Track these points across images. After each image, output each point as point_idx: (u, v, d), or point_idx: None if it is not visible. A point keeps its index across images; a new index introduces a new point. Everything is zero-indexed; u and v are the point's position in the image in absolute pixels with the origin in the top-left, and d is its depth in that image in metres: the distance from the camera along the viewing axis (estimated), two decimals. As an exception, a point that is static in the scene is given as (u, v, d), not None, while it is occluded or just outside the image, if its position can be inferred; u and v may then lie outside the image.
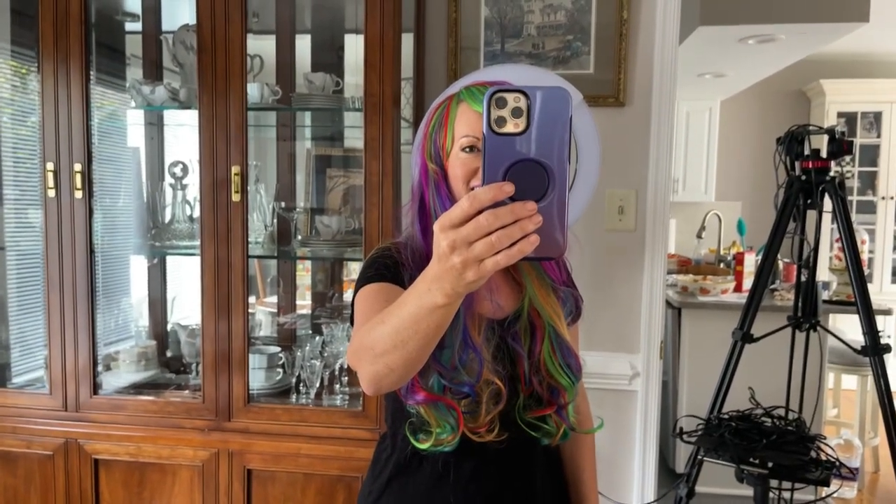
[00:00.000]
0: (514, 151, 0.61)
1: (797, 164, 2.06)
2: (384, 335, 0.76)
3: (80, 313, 1.88)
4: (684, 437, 1.87)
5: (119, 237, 2.19)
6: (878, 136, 4.98)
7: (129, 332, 2.29)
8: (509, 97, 0.61)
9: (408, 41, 1.99)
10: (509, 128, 0.61)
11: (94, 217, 1.88)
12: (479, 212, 0.59)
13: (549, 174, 0.61)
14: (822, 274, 4.05)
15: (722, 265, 4.29)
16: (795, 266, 2.14)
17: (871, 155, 5.01)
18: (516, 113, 0.61)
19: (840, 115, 4.90)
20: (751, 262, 3.65)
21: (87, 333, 1.88)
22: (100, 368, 1.95)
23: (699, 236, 4.43)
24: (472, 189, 0.71)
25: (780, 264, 3.58)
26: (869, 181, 5.09)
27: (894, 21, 3.96)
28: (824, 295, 3.36)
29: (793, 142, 2.04)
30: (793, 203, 2.04)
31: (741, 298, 3.30)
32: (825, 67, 4.88)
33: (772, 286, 3.48)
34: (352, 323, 1.03)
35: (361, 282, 1.02)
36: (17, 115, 2.14)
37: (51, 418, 1.90)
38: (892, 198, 5.00)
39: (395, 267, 1.01)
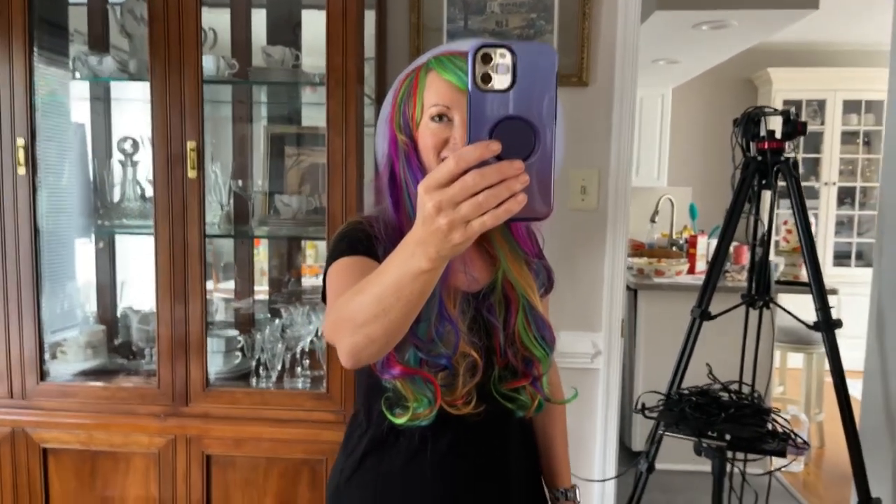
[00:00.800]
0: (500, 109, 0.59)
1: (752, 144, 2.10)
2: (365, 304, 0.74)
3: (24, 298, 1.79)
4: (646, 412, 1.89)
5: (63, 218, 2.08)
6: (822, 123, 5.16)
7: (75, 319, 2.18)
8: (495, 53, 0.59)
9: (370, 18, 1.95)
10: (495, 84, 0.59)
11: (38, 195, 1.78)
12: (465, 171, 0.58)
13: (536, 132, 0.60)
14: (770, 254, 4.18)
15: (675, 248, 4.39)
16: (747, 247, 2.19)
17: (814, 142, 5.18)
18: (501, 69, 0.59)
19: (786, 102, 5.05)
20: (703, 244, 3.74)
21: (33, 319, 1.80)
22: (47, 356, 1.86)
23: (652, 220, 4.51)
24: (443, 160, 0.69)
25: (731, 246, 3.68)
26: (812, 167, 5.26)
27: (839, 10, 4.09)
28: (774, 275, 3.46)
29: (749, 123, 2.08)
30: (749, 183, 2.09)
31: (695, 280, 3.39)
32: (772, 56, 5.02)
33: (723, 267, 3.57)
34: (324, 300, 1.00)
35: (333, 256, 0.99)
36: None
37: (-5, 407, 1.80)
38: (834, 183, 5.19)
39: (369, 240, 0.99)
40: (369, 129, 1.83)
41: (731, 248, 3.72)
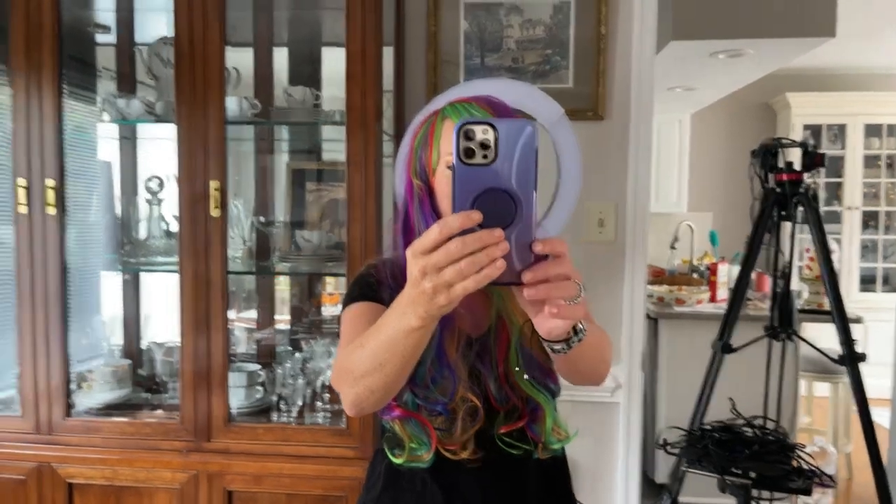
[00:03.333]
0: (483, 181, 0.64)
1: (771, 176, 2.10)
2: (363, 358, 0.78)
3: (52, 333, 1.82)
4: (668, 448, 1.88)
5: (90, 253, 2.13)
6: (843, 147, 5.12)
7: (101, 351, 2.23)
8: (477, 129, 0.64)
9: (388, 55, 1.99)
10: (478, 159, 0.64)
11: (66, 234, 1.83)
12: (449, 239, 0.62)
13: (516, 202, 0.64)
14: (793, 283, 4.13)
15: (695, 275, 4.35)
16: (768, 276, 2.17)
17: (835, 166, 5.13)
18: (484, 145, 0.63)
19: (806, 127, 5.02)
20: (724, 272, 3.70)
21: (60, 354, 1.83)
22: (73, 387, 1.89)
23: (672, 247, 4.49)
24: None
25: (753, 274, 3.64)
26: (834, 192, 5.21)
27: (858, 35, 4.08)
28: (798, 303, 3.42)
29: (766, 154, 2.09)
30: (768, 214, 2.08)
31: (717, 308, 3.35)
32: (791, 81, 5.01)
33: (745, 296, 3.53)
34: None
35: (346, 301, 1.03)
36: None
37: (23, 441, 1.83)
38: (856, 208, 5.13)
39: (377, 286, 1.01)
40: (388, 163, 1.86)
41: (754, 276, 3.69)
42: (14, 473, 1.82)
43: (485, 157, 0.63)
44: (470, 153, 0.63)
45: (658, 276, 4.54)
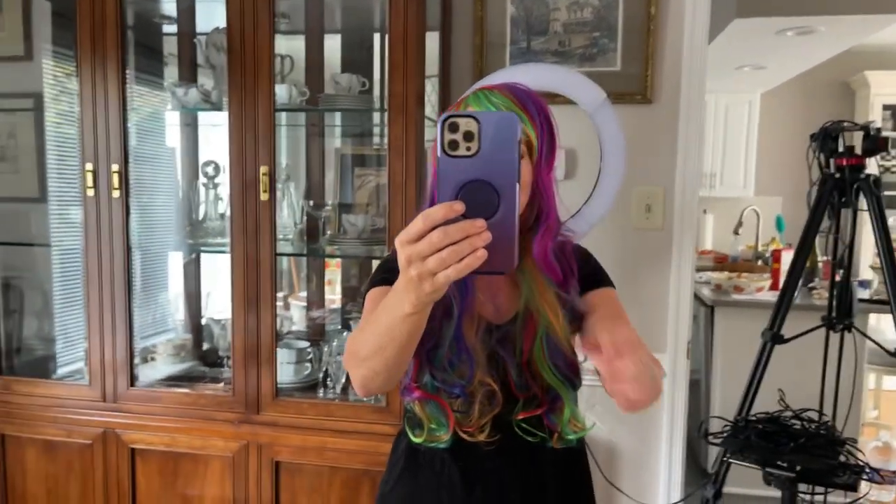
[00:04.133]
0: (465, 172, 0.66)
1: (831, 161, 2.01)
2: (366, 342, 0.82)
3: (118, 308, 1.95)
4: (710, 438, 1.85)
5: (158, 233, 2.27)
6: (927, 129, 4.80)
7: (167, 326, 2.37)
8: (461, 122, 0.65)
9: (434, 39, 2.01)
10: (461, 150, 0.65)
11: (130, 216, 1.94)
12: (433, 229, 0.64)
13: (498, 193, 0.66)
14: (865, 272, 3.94)
15: (760, 262, 4.21)
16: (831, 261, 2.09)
17: (919, 148, 4.83)
18: (467, 137, 0.65)
19: (886, 107, 4.74)
20: (788, 259, 3.56)
21: (125, 328, 1.96)
22: (137, 361, 2.02)
23: (736, 233, 4.35)
24: None
25: (820, 262, 3.50)
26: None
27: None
28: (865, 294, 3.27)
29: (826, 138, 2.00)
30: (826, 201, 2.00)
31: (777, 297, 3.24)
32: (871, 58, 4.72)
33: (810, 284, 3.40)
34: None
35: (368, 285, 1.07)
36: (62, 115, 2.22)
37: (90, 408, 1.98)
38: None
39: (397, 271, 1.04)
40: (431, 144, 1.89)
41: (821, 264, 3.54)
42: (81, 438, 1.97)
43: (468, 148, 0.65)
44: (454, 145, 0.65)
45: (721, 263, 4.42)
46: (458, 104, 1.06)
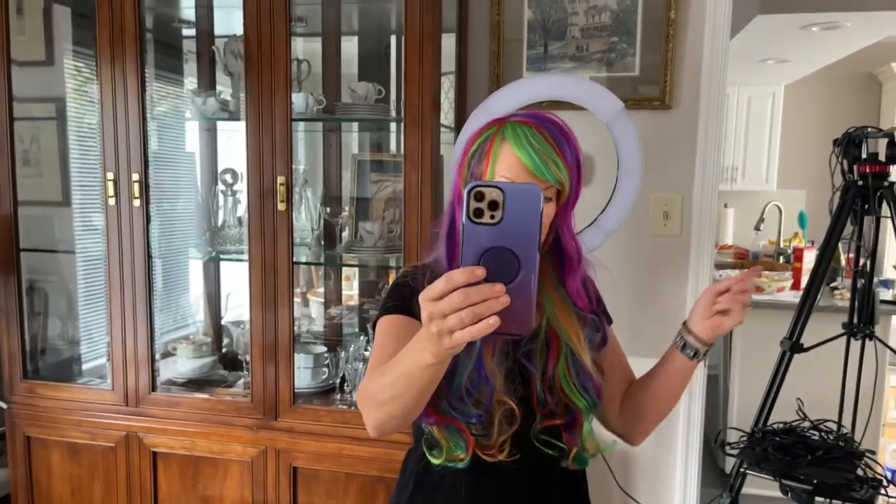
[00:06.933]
0: (488, 239, 0.69)
1: (855, 167, 1.98)
2: (384, 387, 0.83)
3: (139, 315, 1.98)
4: (727, 449, 1.84)
5: (178, 238, 2.30)
6: (957, 122, 4.69)
7: (187, 330, 2.41)
8: (487, 192, 0.68)
9: (451, 44, 2.00)
10: (486, 218, 0.68)
11: (150, 223, 1.97)
12: (455, 290, 0.67)
13: (519, 260, 0.68)
14: (889, 272, 3.88)
15: (781, 259, 4.16)
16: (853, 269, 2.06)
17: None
18: (492, 206, 0.68)
19: (914, 100, 4.64)
20: (810, 258, 3.52)
21: (146, 334, 1.99)
22: (158, 357, 2.06)
23: (757, 228, 4.30)
24: None
25: (843, 260, 3.45)
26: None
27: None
28: (888, 294, 3.22)
29: (849, 144, 1.96)
30: (849, 208, 1.97)
31: (798, 297, 3.19)
32: (899, 49, 4.62)
33: (832, 284, 3.35)
34: None
35: (381, 310, 1.07)
36: (84, 122, 2.24)
37: (113, 412, 2.02)
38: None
39: (412, 296, 1.04)
40: (446, 152, 1.89)
41: (844, 262, 3.49)
42: (105, 441, 2.02)
43: (492, 216, 0.68)
44: (479, 213, 0.68)
45: (741, 259, 4.37)
46: (492, 127, 1.04)
